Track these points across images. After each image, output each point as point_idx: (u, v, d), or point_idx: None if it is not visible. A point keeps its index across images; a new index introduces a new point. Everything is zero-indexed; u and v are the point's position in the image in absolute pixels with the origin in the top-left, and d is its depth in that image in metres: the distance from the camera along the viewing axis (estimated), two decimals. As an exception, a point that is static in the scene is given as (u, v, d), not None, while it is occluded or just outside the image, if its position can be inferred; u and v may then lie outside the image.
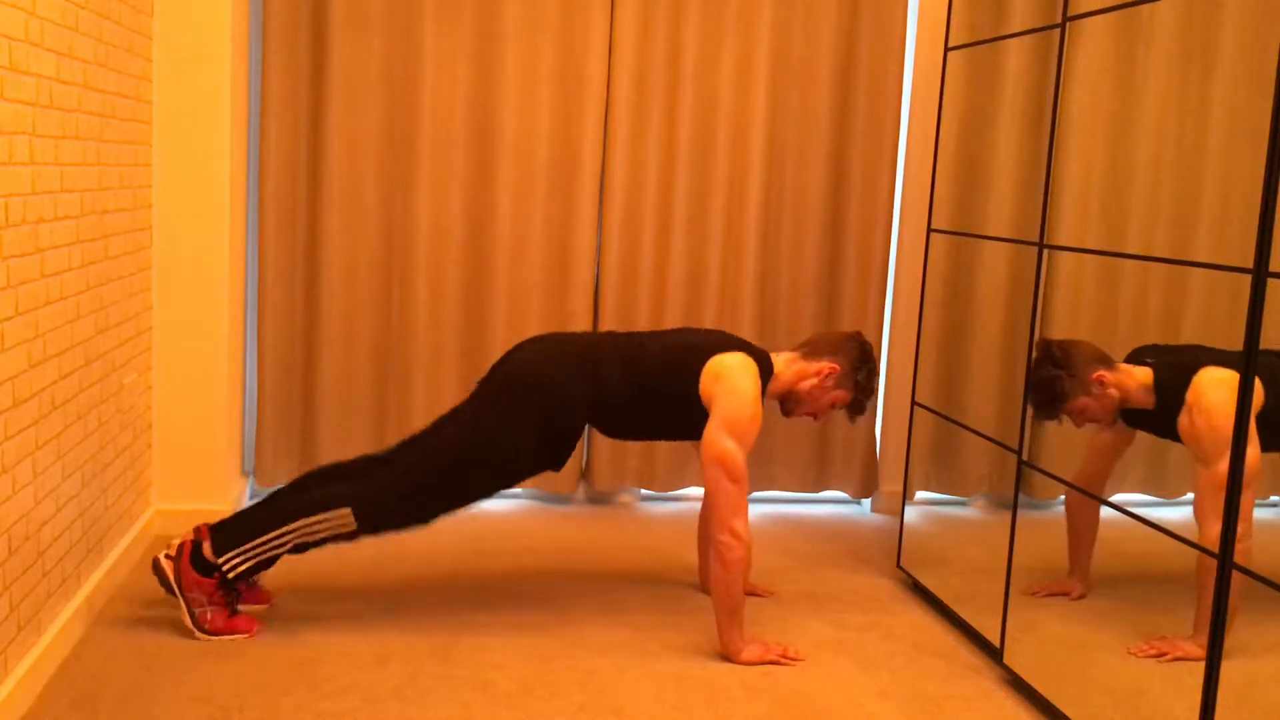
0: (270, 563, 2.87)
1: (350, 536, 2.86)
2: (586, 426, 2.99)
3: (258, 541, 2.81)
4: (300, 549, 2.87)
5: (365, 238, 3.87)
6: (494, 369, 2.98)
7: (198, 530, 2.86)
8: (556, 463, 2.96)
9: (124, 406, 3.16)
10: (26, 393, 2.43)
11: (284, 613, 2.99)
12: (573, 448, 2.96)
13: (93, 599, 2.89)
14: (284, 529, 2.82)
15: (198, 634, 2.81)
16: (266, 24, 3.71)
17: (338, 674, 2.68)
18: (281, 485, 3.17)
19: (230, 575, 2.82)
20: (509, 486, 2.94)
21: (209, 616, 2.82)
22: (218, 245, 3.47)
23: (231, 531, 2.84)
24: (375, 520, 2.86)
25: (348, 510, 2.82)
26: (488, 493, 2.93)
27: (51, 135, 2.53)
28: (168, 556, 2.83)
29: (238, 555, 2.81)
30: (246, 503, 3.90)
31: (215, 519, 3.55)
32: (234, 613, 2.86)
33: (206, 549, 2.82)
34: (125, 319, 3.15)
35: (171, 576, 2.81)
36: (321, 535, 2.84)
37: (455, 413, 2.98)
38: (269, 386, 3.87)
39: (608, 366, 2.91)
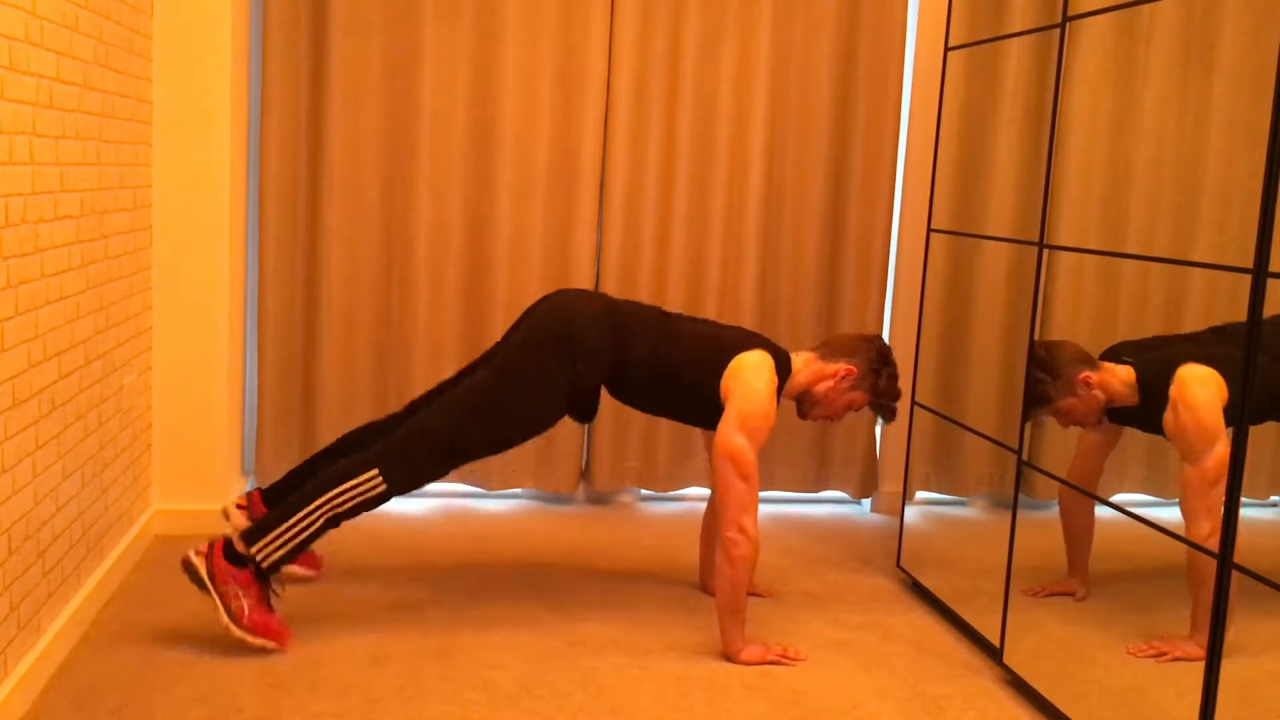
0: (305, 545, 2.77)
1: (384, 498, 2.79)
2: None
3: (287, 525, 2.73)
4: (334, 523, 2.78)
5: (365, 237, 3.87)
6: (523, 317, 3.00)
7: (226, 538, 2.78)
8: (585, 415, 2.98)
9: (124, 406, 3.16)
10: (26, 393, 2.43)
11: (284, 613, 2.99)
12: (597, 402, 2.98)
13: (93, 599, 2.89)
14: (311, 506, 2.74)
15: (234, 629, 2.68)
16: (266, 23, 3.71)
17: (338, 674, 2.68)
18: (302, 463, 3.13)
19: (264, 565, 2.72)
20: (538, 433, 2.93)
21: (245, 609, 2.70)
22: (218, 245, 3.47)
23: (260, 523, 2.76)
24: (406, 476, 2.81)
25: (375, 472, 2.77)
26: (518, 438, 2.91)
27: (51, 135, 2.53)
28: (198, 553, 2.73)
29: (269, 543, 2.72)
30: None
31: (215, 519, 3.57)
32: (271, 610, 2.76)
33: (239, 544, 2.73)
34: (125, 319, 3.15)
35: (204, 572, 2.70)
36: (353, 503, 2.77)
37: (482, 359, 2.98)
38: (269, 386, 3.87)
39: (636, 335, 2.94)
